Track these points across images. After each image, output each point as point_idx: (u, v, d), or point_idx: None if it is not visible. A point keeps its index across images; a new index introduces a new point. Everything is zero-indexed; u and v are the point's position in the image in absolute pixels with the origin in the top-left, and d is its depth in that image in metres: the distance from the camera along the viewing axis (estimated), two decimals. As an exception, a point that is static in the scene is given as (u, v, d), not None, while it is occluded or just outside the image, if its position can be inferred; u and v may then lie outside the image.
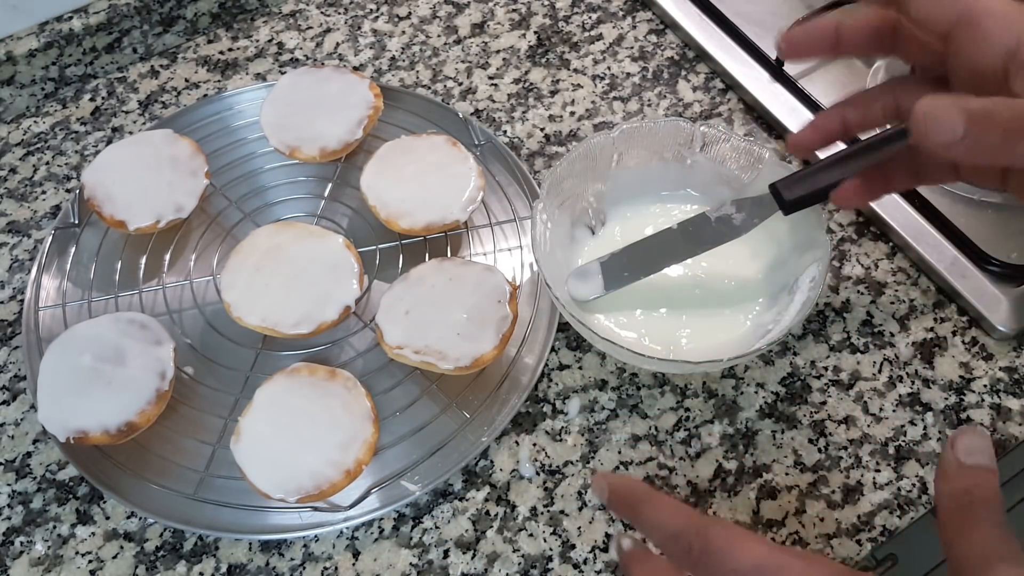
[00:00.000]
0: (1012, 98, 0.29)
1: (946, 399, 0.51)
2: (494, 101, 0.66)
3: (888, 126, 0.41)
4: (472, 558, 0.47)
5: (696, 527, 0.29)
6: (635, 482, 0.33)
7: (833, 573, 0.28)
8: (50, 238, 0.58)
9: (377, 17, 0.72)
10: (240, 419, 0.47)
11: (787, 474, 0.49)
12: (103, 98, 0.67)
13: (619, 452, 0.50)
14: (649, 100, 0.65)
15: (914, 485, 0.49)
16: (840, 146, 0.46)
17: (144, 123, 0.66)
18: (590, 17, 0.71)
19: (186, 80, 0.68)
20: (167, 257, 0.57)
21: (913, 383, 0.52)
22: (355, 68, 0.68)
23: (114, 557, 0.48)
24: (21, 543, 0.48)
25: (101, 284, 0.56)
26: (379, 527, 0.48)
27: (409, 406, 0.51)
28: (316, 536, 0.48)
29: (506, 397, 0.51)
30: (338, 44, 0.70)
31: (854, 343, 0.54)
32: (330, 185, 0.60)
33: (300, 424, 0.47)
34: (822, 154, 0.50)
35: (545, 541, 0.48)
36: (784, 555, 0.28)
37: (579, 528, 0.48)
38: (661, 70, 0.67)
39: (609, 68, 0.67)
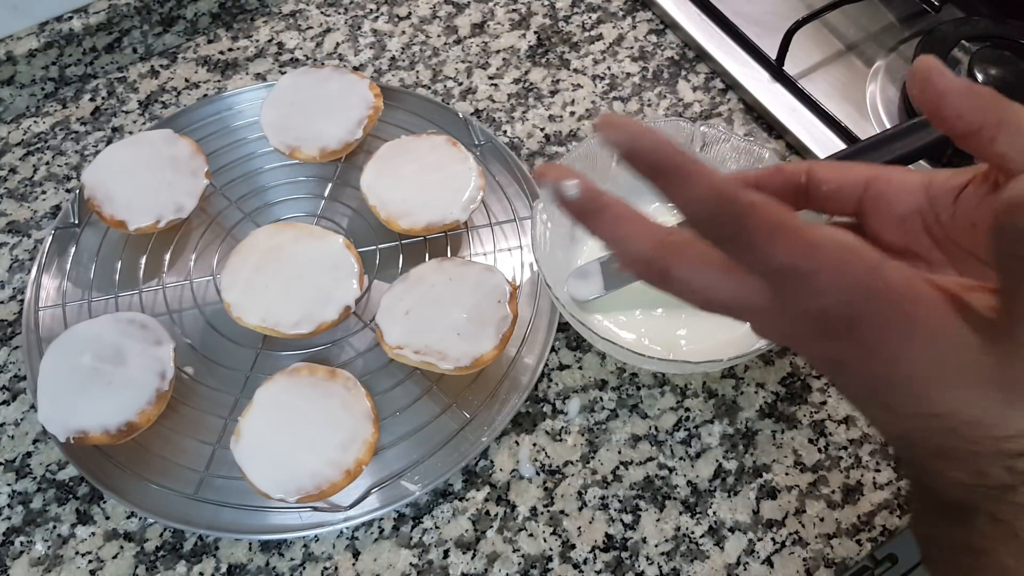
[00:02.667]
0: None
1: (946, 399, 0.51)
2: (494, 101, 0.66)
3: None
4: (472, 558, 0.47)
5: (732, 213, 0.25)
6: (662, 140, 0.27)
7: (864, 271, 0.25)
8: (50, 238, 0.58)
9: (377, 17, 0.72)
10: (240, 419, 0.47)
11: (787, 474, 0.49)
12: (103, 98, 0.67)
13: (619, 452, 0.50)
14: (649, 100, 0.65)
15: (914, 485, 0.49)
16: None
17: (144, 123, 0.66)
18: (590, 17, 0.71)
19: (186, 80, 0.68)
20: (167, 257, 0.57)
21: (913, 383, 0.52)
22: (355, 68, 0.68)
23: (114, 557, 0.48)
24: (21, 543, 0.48)
25: (101, 284, 0.56)
26: (379, 527, 0.48)
27: (409, 406, 0.51)
28: (316, 536, 0.48)
29: (506, 397, 0.51)
30: (338, 44, 0.70)
31: (854, 343, 0.54)
32: (330, 185, 0.60)
33: (300, 424, 0.47)
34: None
35: (545, 541, 0.48)
36: (820, 256, 0.25)
37: (579, 528, 0.48)
38: (661, 70, 0.67)
39: (609, 68, 0.67)
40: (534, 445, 0.51)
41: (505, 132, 0.64)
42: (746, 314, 0.28)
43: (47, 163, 0.64)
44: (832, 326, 0.26)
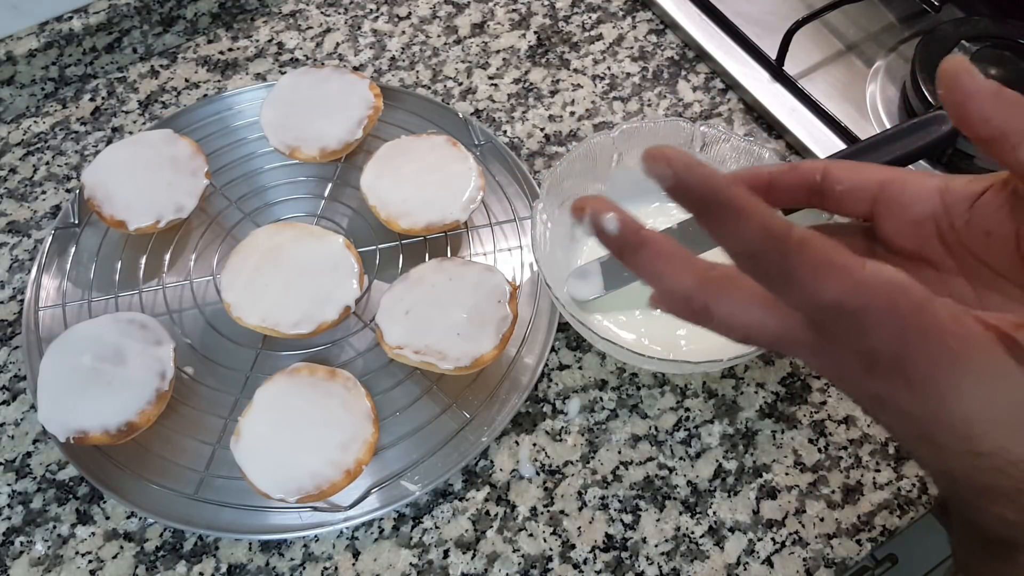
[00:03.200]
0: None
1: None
2: (494, 101, 0.66)
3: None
4: (472, 558, 0.47)
5: (779, 251, 0.25)
6: (710, 174, 0.26)
7: (913, 309, 0.24)
8: (50, 238, 0.58)
9: (377, 17, 0.72)
10: (240, 419, 0.47)
11: (787, 474, 0.49)
12: (103, 98, 0.67)
13: (619, 452, 0.50)
14: (649, 100, 0.65)
15: (914, 485, 0.49)
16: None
17: (144, 123, 0.66)
18: (590, 17, 0.71)
19: (186, 80, 0.68)
20: (167, 257, 0.57)
21: (913, 383, 0.52)
22: (355, 68, 0.68)
23: (114, 557, 0.48)
24: (21, 543, 0.48)
25: (101, 284, 0.56)
26: (379, 527, 0.48)
27: (409, 406, 0.51)
28: (316, 536, 0.48)
29: (506, 397, 0.51)
30: (338, 44, 0.70)
31: (854, 343, 0.54)
32: (330, 185, 0.60)
33: (300, 424, 0.47)
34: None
35: (545, 541, 0.48)
36: (867, 293, 0.24)
37: (579, 528, 0.48)
38: (661, 70, 0.67)
39: (609, 68, 0.67)
40: (534, 445, 0.51)
41: (505, 132, 0.64)
42: (790, 350, 0.27)
43: (47, 163, 0.64)
44: (879, 364, 0.25)
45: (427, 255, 0.56)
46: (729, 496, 0.49)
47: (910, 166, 0.45)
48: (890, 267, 0.25)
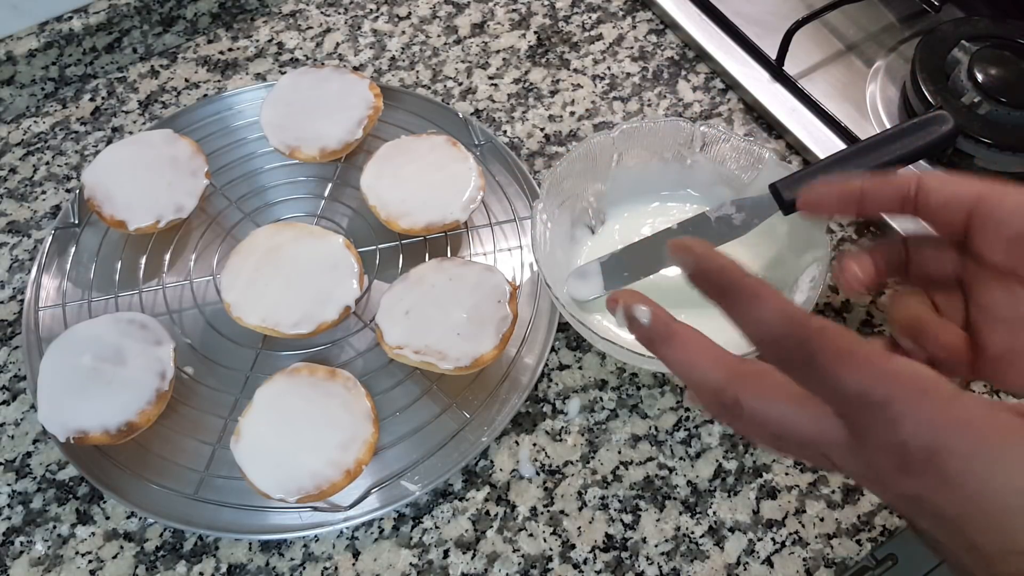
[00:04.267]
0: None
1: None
2: (494, 101, 0.66)
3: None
4: (472, 558, 0.47)
5: (799, 337, 0.25)
6: (725, 261, 0.28)
7: (943, 401, 0.24)
8: (50, 238, 0.58)
9: (377, 17, 0.72)
10: (240, 419, 0.47)
11: (787, 474, 0.49)
12: (103, 98, 0.67)
13: (619, 452, 0.50)
14: (649, 100, 0.65)
15: (914, 485, 0.49)
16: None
17: (144, 123, 0.66)
18: (590, 17, 0.71)
19: (186, 80, 0.68)
20: (167, 257, 0.57)
21: (913, 383, 0.52)
22: (355, 68, 0.68)
23: (114, 557, 0.48)
24: (21, 543, 0.48)
25: (101, 284, 0.56)
26: (379, 527, 0.48)
27: (409, 406, 0.51)
28: (316, 536, 0.48)
29: (506, 397, 0.51)
30: (338, 44, 0.70)
31: (854, 343, 0.54)
32: (330, 185, 0.60)
33: (300, 424, 0.47)
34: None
35: (545, 541, 0.48)
36: (894, 385, 0.24)
37: (579, 528, 0.48)
38: (661, 70, 0.67)
39: (609, 68, 0.67)
40: (534, 445, 0.51)
41: (505, 132, 0.64)
42: (823, 450, 0.27)
43: (47, 163, 0.64)
44: (912, 460, 0.25)
45: (427, 255, 0.56)
46: (729, 496, 0.49)
47: (911, 166, 0.45)
48: (918, 363, 0.25)
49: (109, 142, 0.65)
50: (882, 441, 0.25)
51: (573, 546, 0.47)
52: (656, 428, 0.51)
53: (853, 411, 0.25)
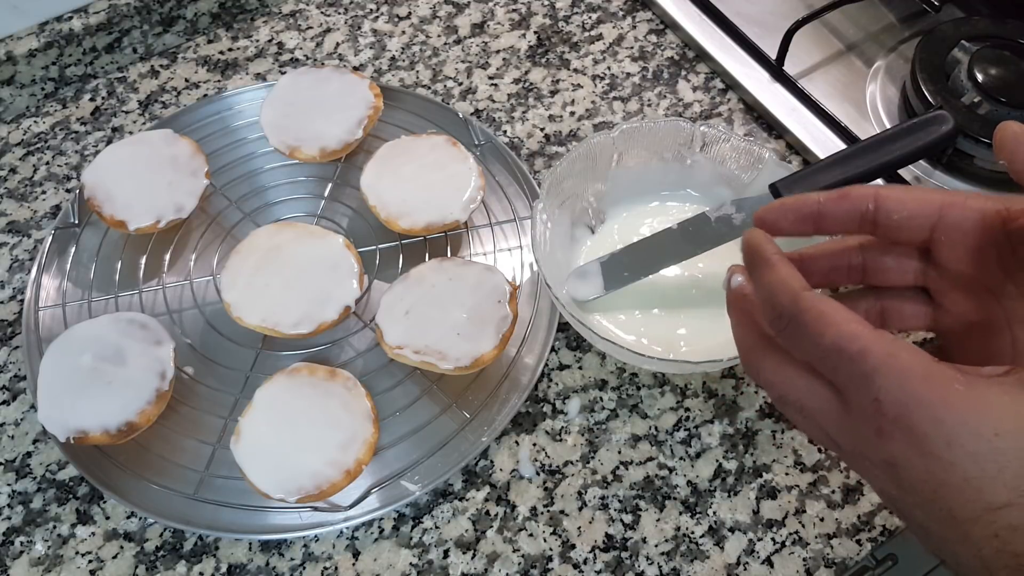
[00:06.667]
0: None
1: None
2: (494, 101, 0.66)
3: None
4: (472, 558, 0.47)
5: (791, 306, 0.28)
6: (762, 240, 0.31)
7: (912, 358, 0.26)
8: (50, 238, 0.58)
9: (377, 17, 0.72)
10: (240, 419, 0.47)
11: (787, 474, 0.49)
12: (103, 98, 0.67)
13: (619, 452, 0.50)
14: (649, 100, 0.65)
15: (914, 485, 0.49)
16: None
17: (144, 123, 0.66)
18: (590, 17, 0.71)
19: (186, 80, 0.68)
20: (167, 257, 0.57)
21: (913, 383, 0.52)
22: (355, 68, 0.68)
23: (114, 557, 0.48)
24: (21, 543, 0.48)
25: (101, 284, 0.56)
26: (379, 527, 0.48)
27: (409, 406, 0.51)
28: (316, 536, 0.48)
29: (506, 397, 0.51)
30: (338, 44, 0.70)
31: (854, 343, 0.54)
32: (330, 185, 0.60)
33: (300, 424, 0.47)
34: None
35: (545, 541, 0.48)
36: (868, 339, 0.26)
37: (579, 528, 0.48)
38: (661, 70, 0.67)
39: (609, 68, 0.67)
40: (534, 445, 0.51)
41: (505, 132, 0.64)
42: (815, 416, 0.29)
43: (47, 163, 0.64)
44: (884, 420, 0.26)
45: (427, 255, 0.56)
46: (729, 496, 0.49)
47: (910, 166, 0.45)
48: (882, 332, 0.27)
49: (109, 142, 0.65)
50: (860, 400, 0.27)
51: (573, 546, 0.47)
52: (656, 428, 0.51)
53: (833, 367, 0.27)
